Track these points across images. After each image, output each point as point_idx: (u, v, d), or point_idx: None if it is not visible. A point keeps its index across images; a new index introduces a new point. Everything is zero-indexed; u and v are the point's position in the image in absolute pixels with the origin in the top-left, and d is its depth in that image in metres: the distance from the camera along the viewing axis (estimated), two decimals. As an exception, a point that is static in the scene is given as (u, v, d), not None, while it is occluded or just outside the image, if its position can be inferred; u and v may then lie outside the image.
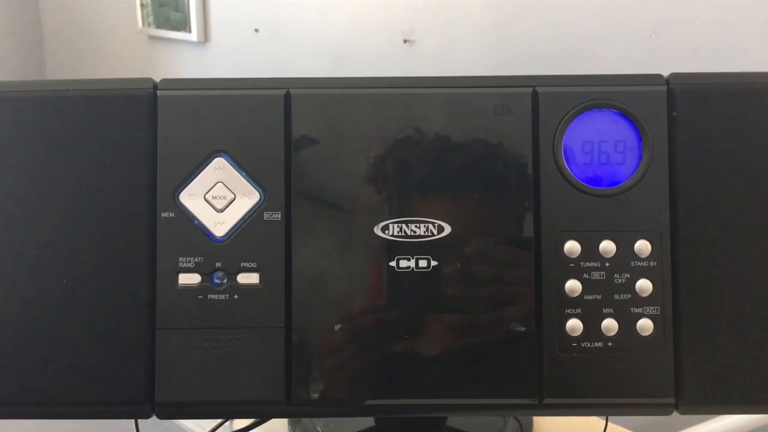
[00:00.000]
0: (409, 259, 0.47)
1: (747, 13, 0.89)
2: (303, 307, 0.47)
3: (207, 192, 0.48)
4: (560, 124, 0.47)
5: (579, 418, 0.66)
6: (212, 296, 0.47)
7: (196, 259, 0.47)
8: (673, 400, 0.47)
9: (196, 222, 0.47)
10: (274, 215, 0.47)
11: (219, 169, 0.47)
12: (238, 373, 0.47)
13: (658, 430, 0.71)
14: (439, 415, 0.56)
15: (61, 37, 2.53)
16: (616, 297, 0.47)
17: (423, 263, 0.47)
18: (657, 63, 1.01)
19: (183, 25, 1.98)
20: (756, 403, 0.47)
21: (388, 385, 0.47)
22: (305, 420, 0.61)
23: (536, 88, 0.48)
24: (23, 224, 0.47)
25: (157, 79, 0.49)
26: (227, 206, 0.47)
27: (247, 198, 0.47)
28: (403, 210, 0.47)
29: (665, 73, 0.48)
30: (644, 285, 0.46)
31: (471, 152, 0.47)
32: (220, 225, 0.47)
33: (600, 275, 0.47)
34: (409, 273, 0.47)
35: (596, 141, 0.48)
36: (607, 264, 0.47)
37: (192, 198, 0.47)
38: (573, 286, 0.47)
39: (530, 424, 0.62)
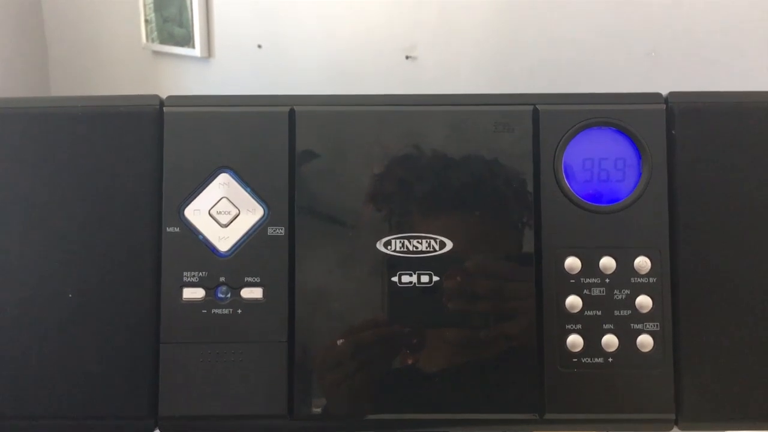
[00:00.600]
0: (411, 275, 0.47)
1: (747, 33, 0.90)
2: (306, 321, 0.47)
3: (212, 207, 0.48)
4: (561, 142, 0.48)
5: (580, 433, 0.66)
6: (216, 311, 0.47)
7: (201, 274, 0.47)
8: (673, 416, 0.47)
9: (200, 237, 0.48)
10: (277, 230, 0.48)
11: (224, 184, 0.48)
12: (241, 387, 0.47)
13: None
14: (440, 431, 0.56)
15: (65, 52, 2.55)
16: (616, 313, 0.47)
17: (425, 279, 0.47)
18: (656, 80, 1.02)
19: (187, 41, 2.00)
20: (756, 419, 0.47)
21: (390, 400, 0.48)
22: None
23: (537, 106, 0.48)
24: (29, 239, 0.48)
25: (161, 94, 0.49)
26: (231, 221, 0.48)
27: (251, 213, 0.48)
28: (405, 226, 0.48)
29: (664, 91, 0.49)
30: (644, 301, 0.47)
31: (472, 169, 0.48)
32: (224, 240, 0.48)
33: (600, 291, 0.47)
34: (411, 288, 0.47)
35: (596, 158, 0.48)
36: (607, 280, 0.47)
37: (197, 213, 0.48)
38: (573, 301, 0.47)
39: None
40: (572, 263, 0.47)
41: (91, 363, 0.47)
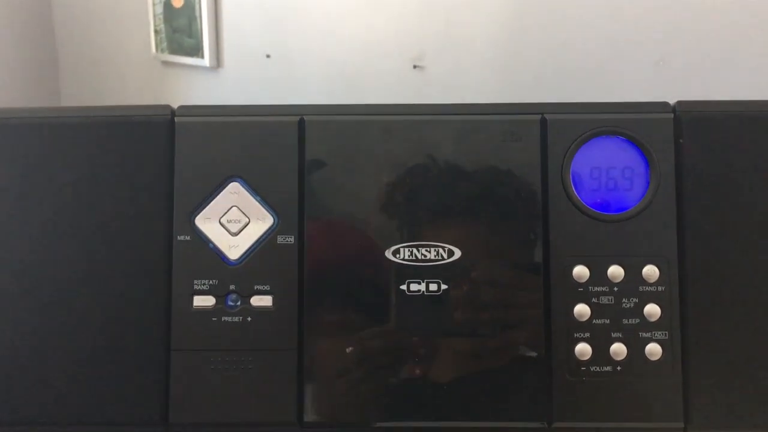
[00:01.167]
0: (419, 283, 0.48)
1: (755, 43, 0.90)
2: (315, 329, 0.48)
3: (222, 216, 0.49)
4: (569, 151, 0.48)
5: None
6: (226, 318, 0.48)
7: (211, 282, 0.48)
8: (681, 425, 0.47)
9: (211, 245, 0.48)
10: (287, 239, 0.48)
11: (234, 193, 0.49)
12: (251, 394, 0.47)
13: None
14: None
15: (75, 62, 2.57)
16: (625, 321, 0.47)
17: (433, 287, 0.48)
18: (664, 89, 1.02)
19: (196, 51, 2.01)
20: (765, 428, 0.47)
21: (399, 407, 0.48)
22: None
23: (545, 115, 0.49)
24: (41, 248, 0.48)
25: (171, 104, 0.50)
26: (242, 230, 0.48)
27: (261, 222, 0.48)
28: (414, 234, 0.48)
29: (672, 99, 0.49)
30: (652, 310, 0.47)
31: (481, 178, 0.48)
32: (234, 248, 0.48)
33: (608, 300, 0.47)
34: (419, 296, 0.48)
35: (604, 167, 0.48)
36: (616, 289, 0.47)
37: (207, 222, 0.48)
38: (582, 310, 0.47)
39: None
40: (580, 272, 0.47)
41: (102, 369, 0.47)
